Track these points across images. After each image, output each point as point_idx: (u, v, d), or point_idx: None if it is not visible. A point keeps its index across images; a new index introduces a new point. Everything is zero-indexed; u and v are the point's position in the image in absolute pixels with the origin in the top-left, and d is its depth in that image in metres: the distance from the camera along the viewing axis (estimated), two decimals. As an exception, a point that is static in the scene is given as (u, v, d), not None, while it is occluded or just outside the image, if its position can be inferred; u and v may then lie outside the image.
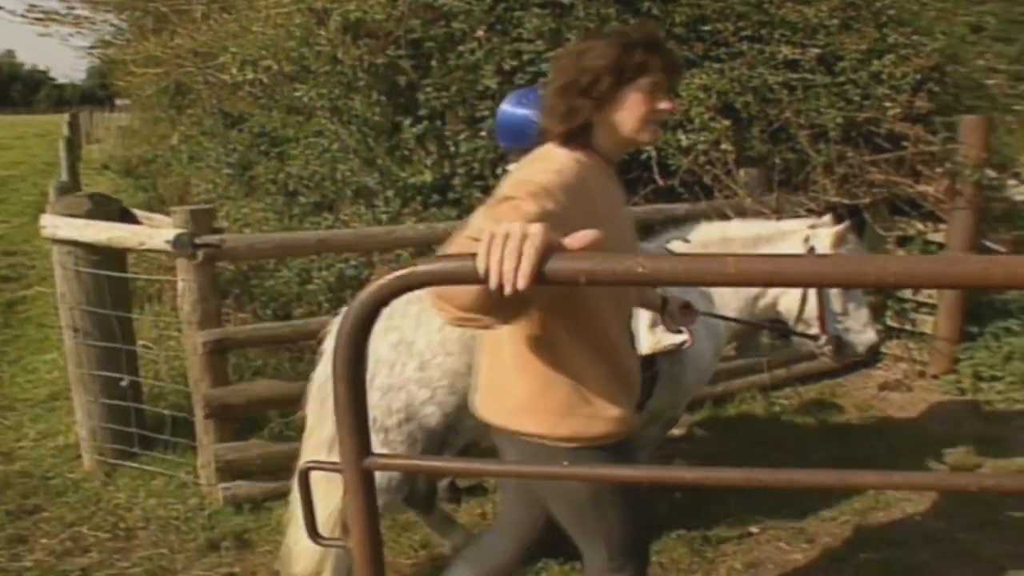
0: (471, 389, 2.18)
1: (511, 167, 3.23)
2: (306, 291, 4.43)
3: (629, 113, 1.76)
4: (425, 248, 3.75)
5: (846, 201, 4.40)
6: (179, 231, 3.13)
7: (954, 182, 4.46)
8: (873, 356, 4.74)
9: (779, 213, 4.17)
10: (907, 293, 4.75)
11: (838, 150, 4.48)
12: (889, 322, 4.82)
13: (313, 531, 1.08)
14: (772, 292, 2.93)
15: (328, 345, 2.59)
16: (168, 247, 3.14)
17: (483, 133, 4.56)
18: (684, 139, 4.40)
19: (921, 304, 4.72)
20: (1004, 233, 4.69)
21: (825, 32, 4.69)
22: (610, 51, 1.73)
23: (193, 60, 6.47)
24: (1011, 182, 4.98)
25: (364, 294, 0.86)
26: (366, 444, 0.92)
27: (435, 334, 2.50)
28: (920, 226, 4.72)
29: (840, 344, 2.86)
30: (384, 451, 2.49)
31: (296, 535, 2.55)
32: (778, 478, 1.24)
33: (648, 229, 4.41)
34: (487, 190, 4.62)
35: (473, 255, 0.88)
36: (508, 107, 3.00)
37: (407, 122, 4.69)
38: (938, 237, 4.64)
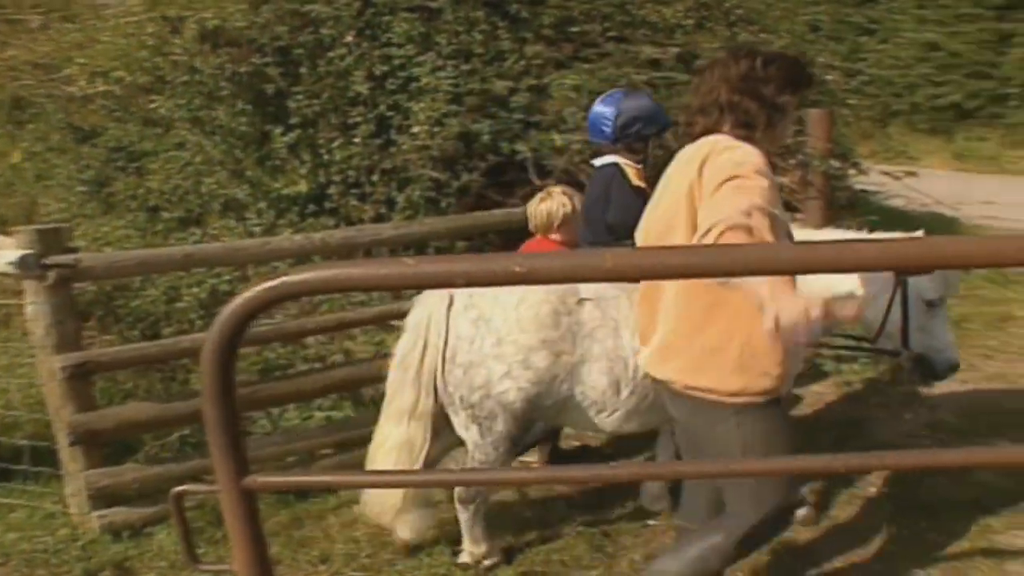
0: (551, 363, 2.58)
1: (596, 162, 3.39)
2: (175, 309, 4.22)
3: (787, 124, 2.05)
4: (304, 259, 3.65)
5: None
6: (24, 252, 2.91)
7: (806, 173, 4.74)
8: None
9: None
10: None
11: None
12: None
13: (191, 555, 1.02)
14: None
15: (411, 319, 2.75)
16: (11, 269, 2.91)
17: (357, 139, 4.49)
18: (558, 139, 4.49)
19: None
20: (851, 220, 5.02)
21: (682, 31, 4.92)
22: (792, 66, 2.10)
23: (32, 72, 6.03)
24: (851, 171, 5.35)
25: (231, 308, 0.82)
26: (242, 464, 0.88)
27: (511, 311, 2.64)
28: (779, 216, 5.02)
29: (921, 362, 2.61)
30: (474, 428, 2.72)
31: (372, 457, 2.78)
32: (667, 470, 1.32)
33: (525, 230, 4.49)
34: (364, 197, 4.55)
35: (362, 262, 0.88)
36: (597, 106, 3.23)
37: (278, 131, 4.55)
38: (795, 227, 4.94)
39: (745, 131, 2.05)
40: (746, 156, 1.90)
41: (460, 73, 4.58)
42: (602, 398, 2.70)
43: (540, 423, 3.05)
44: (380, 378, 3.68)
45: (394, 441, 2.76)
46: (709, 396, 2.00)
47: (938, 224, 6.57)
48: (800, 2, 13.16)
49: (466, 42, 4.67)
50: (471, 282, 0.90)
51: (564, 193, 3.34)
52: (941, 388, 3.53)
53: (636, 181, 3.26)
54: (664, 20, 4.98)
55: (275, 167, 4.63)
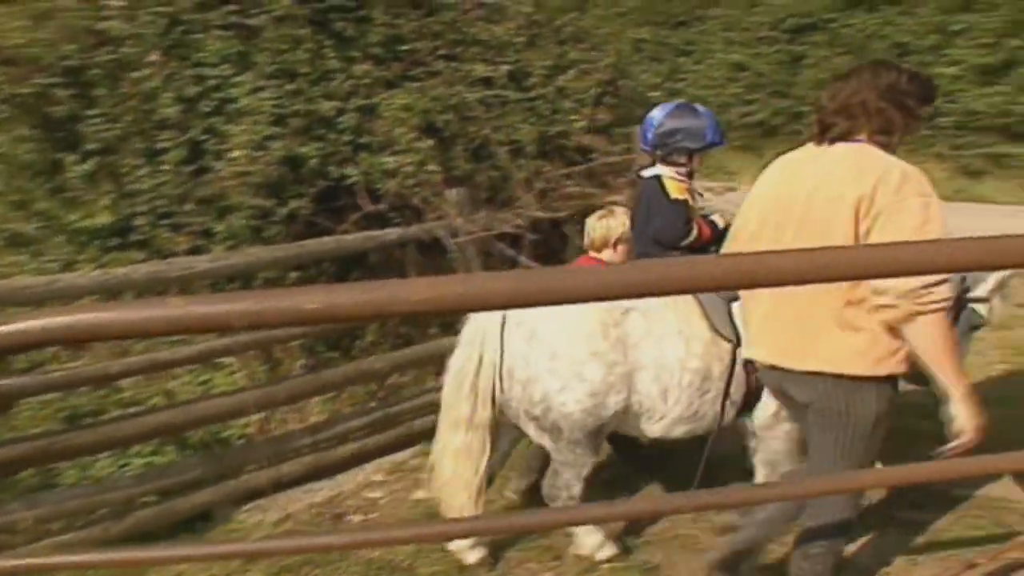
0: (605, 374, 2.73)
1: (644, 173, 3.48)
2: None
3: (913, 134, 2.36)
4: (107, 297, 3.25)
5: (548, 215, 4.61)
6: None
7: (635, 190, 4.86)
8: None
9: (488, 231, 4.26)
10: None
11: (535, 165, 4.69)
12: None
13: None
14: None
15: (464, 335, 2.86)
16: None
17: (166, 166, 4.09)
18: (390, 162, 4.32)
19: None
20: None
21: (513, 49, 4.90)
22: (926, 83, 2.36)
23: None
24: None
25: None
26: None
27: (566, 328, 2.76)
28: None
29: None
30: (546, 436, 2.86)
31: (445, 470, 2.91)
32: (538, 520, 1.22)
33: (362, 257, 4.29)
34: (177, 228, 4.16)
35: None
36: (652, 112, 3.35)
37: (71, 159, 4.06)
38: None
39: (885, 137, 2.30)
40: (920, 175, 2.18)
41: (283, 93, 4.31)
42: (652, 405, 2.85)
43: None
44: (207, 419, 3.41)
45: (455, 447, 2.89)
46: (852, 373, 2.26)
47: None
48: (625, 23, 13.86)
49: (289, 61, 4.40)
50: (252, 323, 0.76)
51: (625, 212, 3.35)
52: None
53: (675, 194, 3.32)
54: (495, 38, 4.96)
55: (70, 198, 4.12)
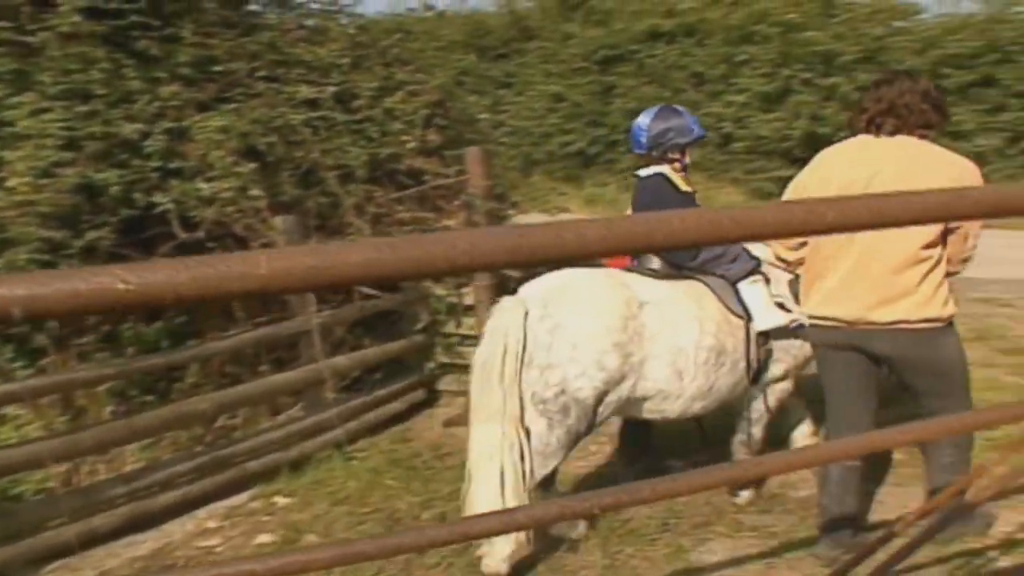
0: (621, 363, 2.97)
1: (641, 173, 3.56)
2: None
3: None
4: None
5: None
6: None
7: (470, 213, 4.78)
8: (432, 395, 4.90)
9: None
10: (451, 327, 4.92)
11: (366, 190, 4.51)
12: (441, 358, 4.92)
13: None
14: None
15: (489, 327, 3.03)
16: None
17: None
18: (205, 188, 3.97)
19: (465, 336, 4.91)
20: None
21: (339, 71, 4.73)
22: (939, 92, 2.95)
23: None
24: (511, 211, 5.58)
25: None
26: None
27: (589, 319, 2.97)
28: (450, 259, 4.95)
29: None
30: (542, 421, 3.00)
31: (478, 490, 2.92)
32: (375, 548, 1.08)
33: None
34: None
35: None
36: (638, 119, 3.50)
37: None
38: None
39: (927, 131, 2.81)
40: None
41: (75, 116, 3.85)
42: (668, 387, 3.12)
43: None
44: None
45: (491, 444, 2.94)
46: (933, 324, 2.71)
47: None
48: (450, 49, 13.99)
49: (81, 81, 3.95)
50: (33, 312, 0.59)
51: None
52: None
53: (684, 187, 3.53)
54: (320, 59, 4.76)
55: None
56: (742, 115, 11.68)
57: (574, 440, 3.06)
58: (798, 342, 3.39)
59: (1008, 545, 3.03)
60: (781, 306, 3.34)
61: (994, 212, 1.12)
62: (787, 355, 3.40)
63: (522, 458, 2.93)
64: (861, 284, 2.76)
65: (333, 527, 3.45)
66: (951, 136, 10.31)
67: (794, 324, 3.30)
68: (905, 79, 2.86)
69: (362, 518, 3.50)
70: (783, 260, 3.16)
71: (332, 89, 4.63)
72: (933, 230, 2.67)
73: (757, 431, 3.51)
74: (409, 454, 4.12)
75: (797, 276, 3.27)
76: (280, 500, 3.71)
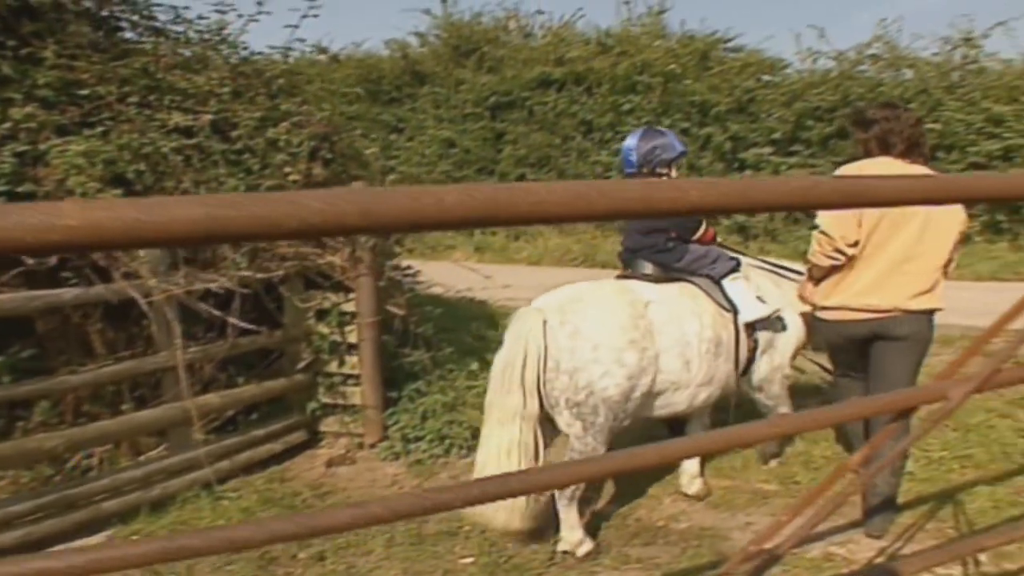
0: (639, 357, 3.26)
1: None
2: None
3: None
4: None
5: (260, 276, 4.25)
6: None
7: (354, 250, 4.64)
8: (314, 435, 4.68)
9: (191, 293, 3.80)
10: (334, 367, 4.74)
11: (245, 223, 4.30)
12: (323, 399, 4.73)
13: None
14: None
15: (509, 334, 3.30)
16: None
17: None
18: (63, 216, 3.68)
19: (348, 376, 4.73)
20: (399, 297, 5.04)
21: (217, 99, 4.54)
22: None
23: None
24: (397, 248, 5.48)
25: None
26: None
27: (604, 322, 3.25)
28: (334, 297, 4.74)
29: None
30: (577, 424, 3.25)
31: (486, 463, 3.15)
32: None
33: (26, 323, 3.57)
34: None
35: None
36: (627, 140, 3.81)
37: None
38: (350, 307, 4.66)
39: (924, 161, 3.39)
40: None
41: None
42: (678, 377, 3.43)
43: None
44: None
45: (508, 441, 3.13)
46: (936, 312, 3.33)
47: (472, 306, 7.24)
48: (337, 100, 13.81)
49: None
50: None
51: None
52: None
53: None
54: (197, 87, 4.56)
55: None
56: (629, 163, 12.06)
57: (606, 439, 3.29)
58: (783, 334, 3.89)
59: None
60: (760, 299, 3.76)
61: (849, 202, 1.14)
62: (772, 349, 3.86)
63: (536, 457, 3.16)
64: (898, 280, 3.29)
65: (196, 568, 3.21)
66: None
67: (774, 315, 3.78)
68: (905, 111, 3.41)
69: (231, 559, 3.28)
70: (841, 253, 3.39)
71: (209, 117, 4.43)
72: (955, 241, 3.33)
73: (783, 408, 3.98)
74: (287, 493, 3.90)
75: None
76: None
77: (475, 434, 3.72)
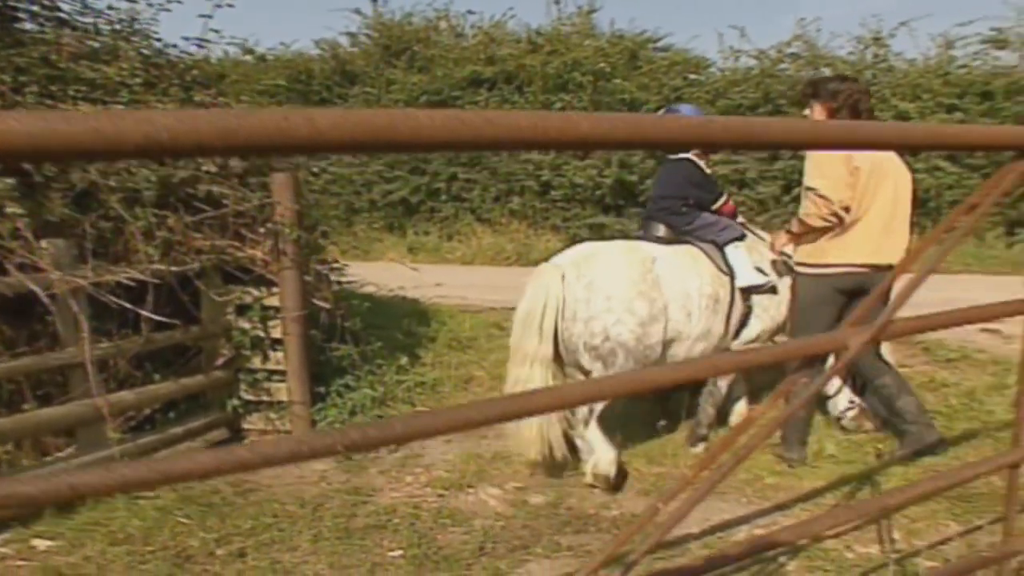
0: (649, 307, 3.69)
1: (671, 156, 4.38)
2: None
3: None
4: None
5: (174, 269, 4.08)
6: None
7: (277, 241, 4.50)
8: (237, 433, 4.53)
9: (100, 286, 3.62)
10: (257, 362, 4.60)
11: (157, 214, 4.14)
12: (245, 395, 4.60)
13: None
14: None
15: (530, 288, 3.71)
16: None
17: None
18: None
19: (273, 372, 4.61)
20: (325, 291, 4.92)
21: (129, 90, 4.37)
22: None
23: None
24: (323, 241, 5.34)
25: None
26: None
27: (615, 275, 3.64)
28: (256, 292, 4.59)
29: None
30: (598, 364, 3.68)
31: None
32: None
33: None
34: None
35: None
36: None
37: None
38: (274, 301, 4.54)
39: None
40: None
41: None
42: (678, 326, 3.80)
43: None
44: None
45: (522, 379, 3.56)
46: None
47: (404, 303, 7.22)
48: (263, 101, 13.46)
49: None
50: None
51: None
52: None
53: (707, 170, 4.34)
54: (107, 78, 4.38)
55: None
56: (559, 163, 12.10)
57: None
58: (775, 303, 4.13)
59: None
60: (760, 271, 4.10)
61: (738, 141, 1.14)
62: (765, 314, 4.13)
63: None
64: (891, 237, 3.66)
65: (108, 569, 3.06)
66: (737, 184, 11.29)
67: (767, 286, 4.07)
68: (854, 83, 3.82)
69: (145, 558, 3.14)
70: (836, 216, 3.70)
71: (119, 108, 4.25)
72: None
73: (722, 384, 4.26)
74: (206, 491, 3.74)
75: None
76: (40, 543, 3.25)
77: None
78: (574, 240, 12.12)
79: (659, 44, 13.04)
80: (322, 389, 4.71)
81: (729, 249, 4.09)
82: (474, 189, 12.77)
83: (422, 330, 6.53)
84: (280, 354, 4.53)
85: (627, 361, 3.66)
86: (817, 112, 3.83)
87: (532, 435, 3.63)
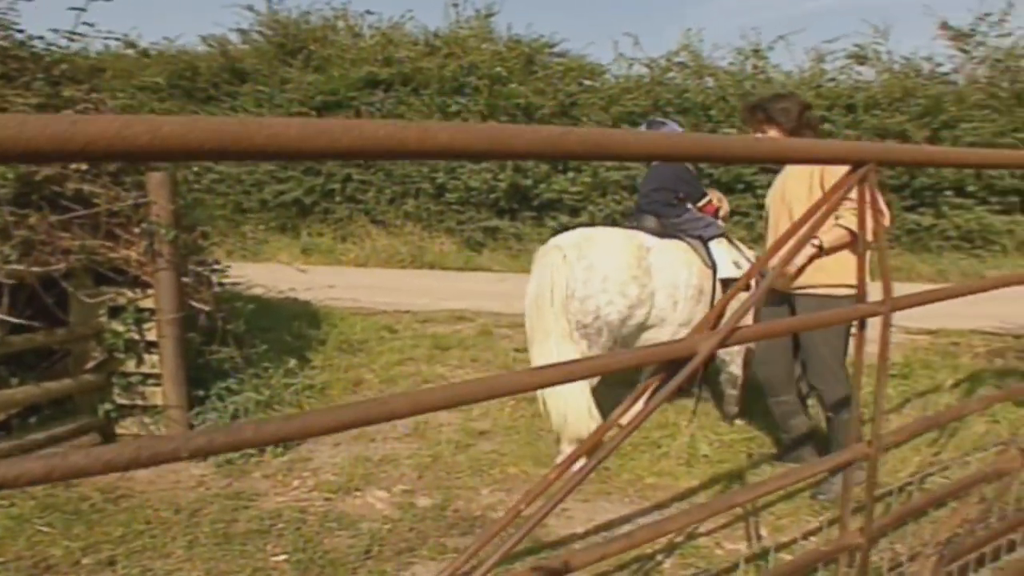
0: (640, 291, 3.98)
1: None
2: None
3: None
4: None
5: (35, 269, 3.84)
6: None
7: (152, 242, 4.31)
8: (109, 438, 4.30)
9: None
10: (131, 366, 4.39)
11: (15, 213, 3.88)
12: (119, 399, 4.37)
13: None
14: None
15: (536, 271, 4.00)
16: None
17: None
18: None
19: (148, 376, 4.41)
20: (205, 292, 4.75)
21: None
22: None
23: None
24: (203, 242, 5.15)
25: None
26: None
27: (613, 259, 3.94)
28: (130, 293, 4.39)
29: None
30: (583, 341, 3.90)
31: (564, 401, 3.76)
32: None
33: None
34: None
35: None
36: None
37: None
38: (149, 303, 4.36)
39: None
40: None
41: None
42: (664, 313, 4.09)
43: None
44: None
45: (558, 352, 3.74)
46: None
47: (294, 305, 7.06)
48: (147, 97, 12.82)
49: None
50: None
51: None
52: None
53: (692, 169, 4.84)
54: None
55: None
56: (454, 166, 12.11)
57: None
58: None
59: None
60: (736, 265, 4.43)
61: (594, 153, 1.19)
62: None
63: None
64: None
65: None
66: (631, 191, 11.64)
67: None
68: (793, 98, 3.86)
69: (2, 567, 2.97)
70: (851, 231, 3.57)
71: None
72: None
73: (735, 369, 4.66)
74: (73, 498, 3.54)
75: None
76: None
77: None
78: (468, 243, 12.31)
79: (555, 50, 13.24)
80: (201, 392, 4.55)
81: (712, 244, 4.48)
82: (369, 191, 12.63)
83: (312, 332, 6.41)
84: (155, 357, 4.34)
85: (608, 340, 3.92)
86: (774, 135, 3.72)
87: (583, 413, 3.79)
